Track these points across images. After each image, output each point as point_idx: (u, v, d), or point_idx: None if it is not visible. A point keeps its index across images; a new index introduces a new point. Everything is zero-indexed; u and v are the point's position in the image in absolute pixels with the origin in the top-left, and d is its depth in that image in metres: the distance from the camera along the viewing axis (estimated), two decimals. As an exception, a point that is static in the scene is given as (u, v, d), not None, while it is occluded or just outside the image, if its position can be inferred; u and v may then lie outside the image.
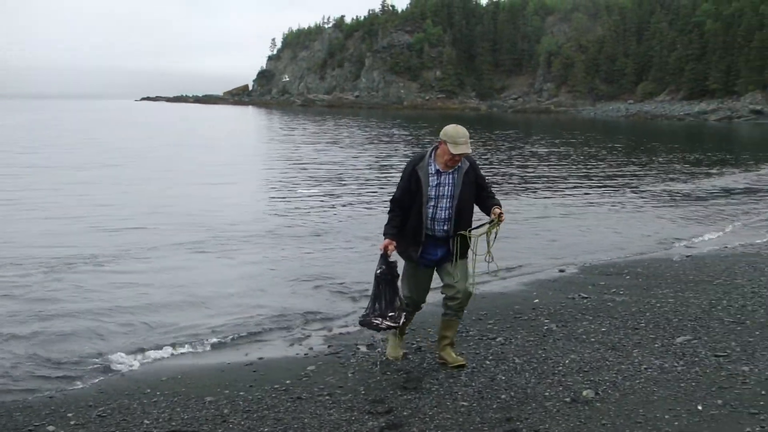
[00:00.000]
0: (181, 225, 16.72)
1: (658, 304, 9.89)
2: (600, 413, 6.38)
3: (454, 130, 7.39)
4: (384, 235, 7.63)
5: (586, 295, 10.52)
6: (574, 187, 26.28)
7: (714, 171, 33.53)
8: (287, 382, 7.41)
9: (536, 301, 10.27)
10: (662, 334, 8.59)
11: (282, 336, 9.20)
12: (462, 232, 7.59)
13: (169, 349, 8.67)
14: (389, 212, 7.74)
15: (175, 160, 33.94)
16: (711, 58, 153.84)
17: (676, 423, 6.15)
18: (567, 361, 7.69)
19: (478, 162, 7.89)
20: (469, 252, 7.75)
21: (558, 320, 9.29)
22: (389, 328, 7.63)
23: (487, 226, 7.65)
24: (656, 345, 8.22)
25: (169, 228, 16.30)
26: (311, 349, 8.63)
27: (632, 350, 8.06)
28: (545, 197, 23.23)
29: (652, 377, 7.22)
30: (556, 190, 24.85)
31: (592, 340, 8.44)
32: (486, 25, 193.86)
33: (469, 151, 7.39)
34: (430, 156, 7.59)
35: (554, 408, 6.49)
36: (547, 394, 6.83)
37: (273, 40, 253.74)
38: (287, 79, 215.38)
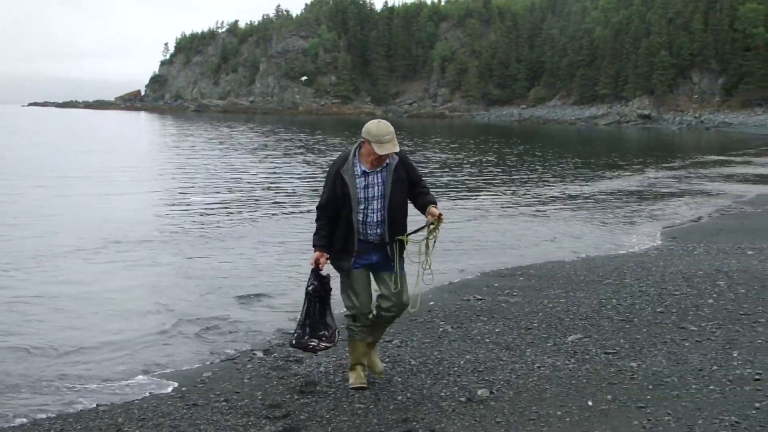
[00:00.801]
0: (72, 231, 16.34)
1: (551, 305, 10.12)
2: (494, 411, 6.52)
3: (377, 128, 6.87)
4: (313, 247, 7.12)
5: (480, 297, 10.69)
6: (471, 191, 26.63)
7: (607, 174, 34.40)
8: (183, 389, 7.36)
9: (431, 303, 10.36)
10: (554, 334, 8.79)
11: (178, 343, 9.10)
12: (400, 237, 7.12)
13: (61, 358, 8.52)
14: (316, 221, 7.17)
15: (64, 166, 33.12)
16: (600, 64, 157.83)
17: (568, 419, 6.32)
18: (462, 362, 7.80)
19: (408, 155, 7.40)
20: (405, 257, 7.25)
21: (453, 322, 9.42)
22: (326, 348, 7.14)
23: (426, 230, 7.13)
24: (548, 344, 8.41)
25: (59, 234, 15.93)
26: (209, 355, 8.59)
27: (525, 349, 8.23)
28: (442, 202, 23.44)
29: (545, 375, 7.39)
30: (451, 196, 25.10)
31: (487, 340, 8.59)
32: (381, 30, 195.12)
33: (397, 149, 6.89)
34: (355, 156, 7.04)
35: (450, 407, 6.60)
36: (443, 394, 6.93)
37: (166, 44, 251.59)
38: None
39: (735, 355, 7.83)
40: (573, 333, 8.79)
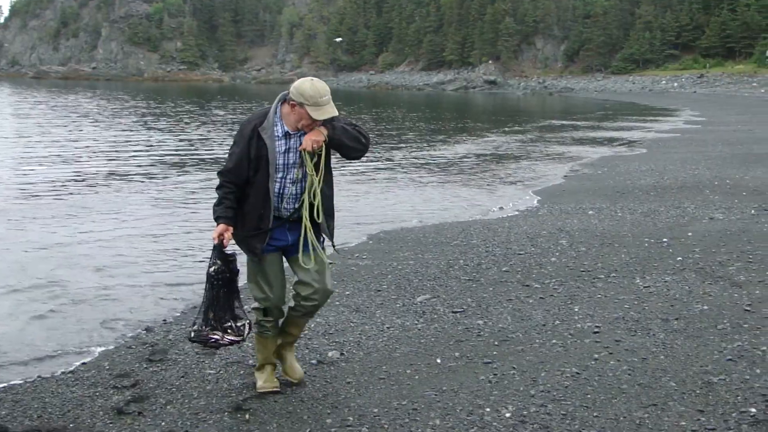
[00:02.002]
0: None
1: (400, 267, 10.25)
2: (345, 372, 6.59)
3: (313, 88, 5.74)
4: (216, 219, 5.96)
5: (330, 261, 10.69)
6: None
7: (459, 138, 34.78)
8: (27, 361, 7.20)
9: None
10: (403, 295, 8.93)
11: (20, 313, 8.84)
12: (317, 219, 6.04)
13: None
14: (219, 188, 6.00)
15: None
16: (447, 30, 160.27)
17: (417, 377, 6.45)
18: (313, 326, 7.84)
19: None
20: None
21: (304, 286, 9.45)
22: (232, 343, 6.01)
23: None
24: (398, 305, 8.54)
25: None
26: (54, 330, 8.37)
27: (375, 311, 8.34)
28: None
29: (394, 335, 7.51)
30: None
31: (337, 303, 8.64)
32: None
33: (336, 112, 5.83)
34: (276, 114, 5.98)
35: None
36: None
37: None
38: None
39: (576, 309, 8.13)
40: (422, 294, 8.94)
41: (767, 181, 17.36)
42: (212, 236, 5.98)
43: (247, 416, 5.67)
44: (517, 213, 14.84)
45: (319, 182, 5.98)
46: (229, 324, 5.92)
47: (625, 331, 7.42)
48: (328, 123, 5.95)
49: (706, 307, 8.14)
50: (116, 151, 27.16)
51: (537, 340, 7.23)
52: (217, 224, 5.94)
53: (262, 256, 6.03)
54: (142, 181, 19.69)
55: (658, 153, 25.77)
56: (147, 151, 27.66)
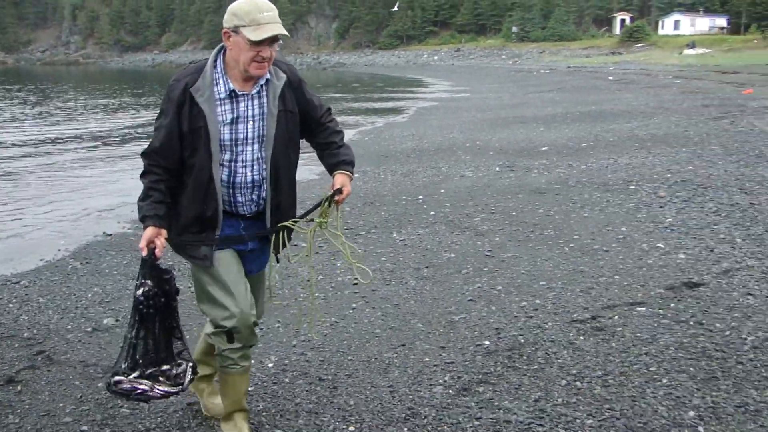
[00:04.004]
0: None
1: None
2: (119, 338, 6.38)
3: (250, 3, 3.98)
4: (142, 221, 4.04)
5: (110, 233, 10.48)
6: (115, 138, 25.77)
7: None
8: None
9: (61, 242, 10.05)
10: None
11: None
12: (286, 223, 4.35)
13: None
14: (144, 176, 4.11)
15: None
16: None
17: (188, 337, 6.36)
18: (90, 295, 7.61)
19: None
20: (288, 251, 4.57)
21: (83, 258, 9.15)
22: (167, 395, 4.08)
23: (320, 209, 4.41)
24: (176, 272, 8.37)
25: None
26: None
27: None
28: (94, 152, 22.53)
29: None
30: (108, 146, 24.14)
31: (115, 272, 8.44)
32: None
33: (284, 31, 4.00)
34: (215, 67, 4.09)
35: (76, 338, 6.41)
36: (69, 326, 6.71)
37: None
38: None
39: (338, 264, 8.25)
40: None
41: (511, 142, 18.08)
42: (140, 246, 3.99)
43: (19, 387, 5.41)
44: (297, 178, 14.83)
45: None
46: (166, 368, 4.08)
47: (380, 281, 7.60)
48: (345, 167, 4.45)
49: (453, 255, 8.45)
50: None
51: (301, 295, 7.30)
52: (144, 227, 4.01)
53: (212, 261, 4.15)
54: None
55: (420, 120, 26.35)
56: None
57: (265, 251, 4.41)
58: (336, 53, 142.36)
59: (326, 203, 4.33)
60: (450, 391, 4.94)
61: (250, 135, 4.09)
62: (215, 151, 4.01)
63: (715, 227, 9.03)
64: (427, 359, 5.61)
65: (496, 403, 4.83)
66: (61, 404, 5.07)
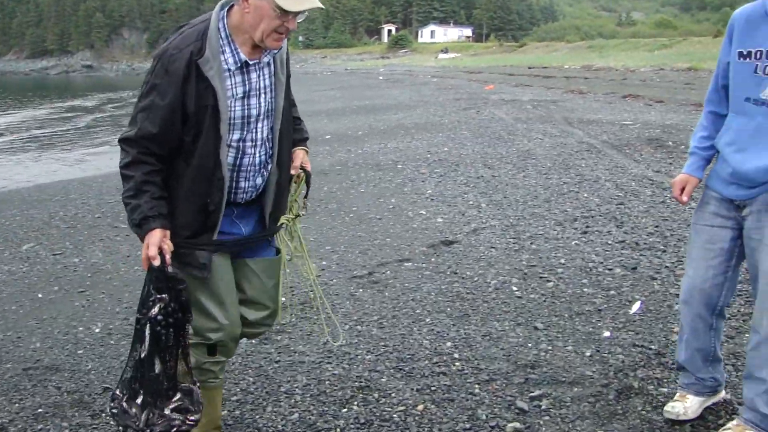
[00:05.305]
0: None
1: (7, 222, 9.44)
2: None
3: None
4: (139, 224, 2.93)
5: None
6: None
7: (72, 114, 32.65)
8: None
9: None
10: (10, 245, 8.21)
11: None
12: (288, 216, 3.43)
13: None
14: (131, 167, 2.96)
15: None
16: (48, 24, 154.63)
17: (21, 311, 6.00)
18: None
19: None
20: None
21: None
22: (193, 425, 3.06)
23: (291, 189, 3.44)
24: (5, 254, 7.87)
25: None
26: None
27: (-16, 262, 7.64)
28: None
29: (2, 280, 6.92)
30: None
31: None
32: None
33: (320, 4, 2.90)
34: (221, 30, 2.94)
35: None
36: None
37: None
38: None
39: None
40: (27, 243, 8.31)
41: (301, 132, 18.09)
42: (146, 254, 2.90)
43: None
44: (117, 170, 14.15)
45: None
46: (181, 400, 2.99)
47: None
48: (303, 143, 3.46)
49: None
50: None
51: (123, 269, 7.03)
52: (147, 231, 2.90)
53: (211, 269, 3.09)
54: None
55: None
56: None
57: (261, 239, 3.29)
58: (147, 60, 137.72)
59: (298, 182, 3.40)
60: (253, 341, 4.92)
61: (262, 109, 3.06)
62: (224, 132, 2.93)
63: (466, 196, 9.42)
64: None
65: (292, 348, 4.86)
66: None
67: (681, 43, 61.14)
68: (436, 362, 4.54)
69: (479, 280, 6.12)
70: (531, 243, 7.14)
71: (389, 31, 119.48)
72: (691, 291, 3.60)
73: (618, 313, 5.26)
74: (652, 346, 4.63)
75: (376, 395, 4.10)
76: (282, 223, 3.35)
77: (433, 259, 6.76)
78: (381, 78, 46.54)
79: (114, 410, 2.99)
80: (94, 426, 3.94)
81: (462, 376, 4.32)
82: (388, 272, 6.43)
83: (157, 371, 2.93)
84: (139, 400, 2.94)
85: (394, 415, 3.90)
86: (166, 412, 2.94)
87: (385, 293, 5.85)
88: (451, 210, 8.70)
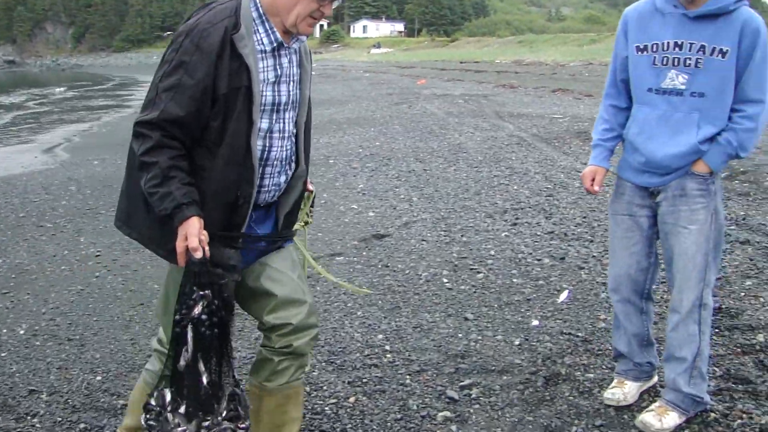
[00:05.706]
0: None
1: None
2: None
3: None
4: (173, 212, 2.56)
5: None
6: None
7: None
8: None
9: None
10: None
11: None
12: (301, 223, 3.16)
13: None
14: (154, 152, 2.57)
15: None
16: None
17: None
18: None
19: None
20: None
21: None
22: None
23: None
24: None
25: None
26: None
27: None
28: None
29: None
30: None
31: None
32: None
33: None
34: (255, 7, 2.70)
35: None
36: None
37: None
38: None
39: (82, 240, 7.83)
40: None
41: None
42: (184, 246, 2.57)
43: None
44: (42, 168, 13.80)
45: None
46: (230, 407, 2.69)
47: (120, 251, 7.29)
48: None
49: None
50: None
51: (48, 269, 6.86)
52: (181, 220, 2.56)
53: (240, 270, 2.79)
54: None
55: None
56: None
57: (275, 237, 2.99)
58: (73, 56, 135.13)
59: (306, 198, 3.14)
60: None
61: (292, 98, 2.84)
62: (256, 118, 2.67)
63: (397, 190, 9.49)
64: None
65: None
66: None
67: (609, 38, 62.31)
68: (368, 354, 4.57)
69: (410, 272, 6.18)
70: (462, 235, 7.23)
71: (321, 25, 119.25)
72: (617, 279, 3.74)
73: (546, 302, 5.38)
74: (579, 334, 4.76)
75: (307, 389, 4.11)
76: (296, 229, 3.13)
77: (364, 253, 6.80)
78: (313, 73, 45.87)
79: (151, 422, 2.67)
80: (19, 429, 3.86)
81: (393, 368, 4.37)
82: (320, 267, 6.42)
83: (203, 377, 2.65)
84: (182, 410, 2.65)
85: (326, 408, 3.92)
86: (219, 419, 2.67)
87: (317, 288, 5.85)
88: (382, 204, 8.75)
